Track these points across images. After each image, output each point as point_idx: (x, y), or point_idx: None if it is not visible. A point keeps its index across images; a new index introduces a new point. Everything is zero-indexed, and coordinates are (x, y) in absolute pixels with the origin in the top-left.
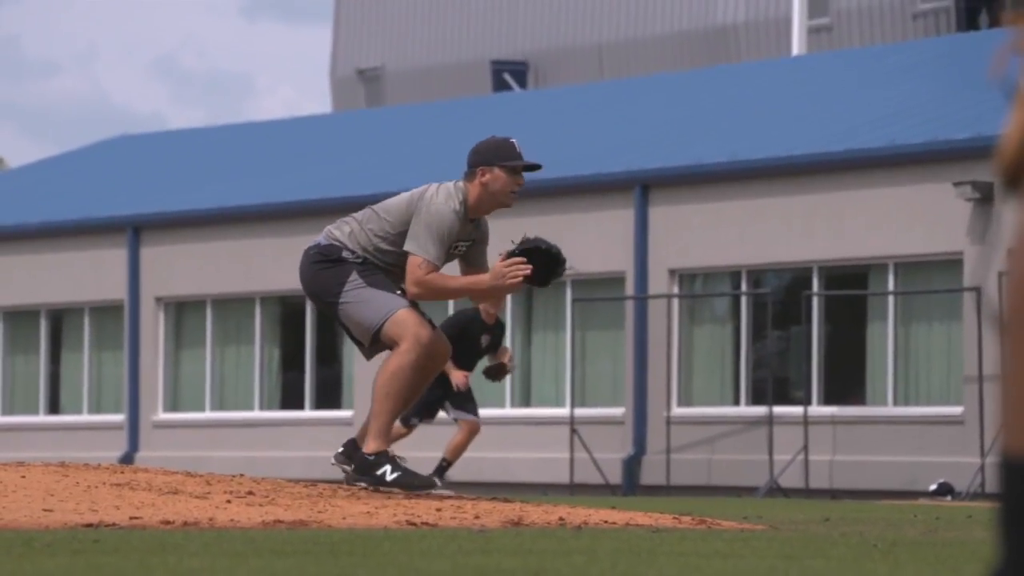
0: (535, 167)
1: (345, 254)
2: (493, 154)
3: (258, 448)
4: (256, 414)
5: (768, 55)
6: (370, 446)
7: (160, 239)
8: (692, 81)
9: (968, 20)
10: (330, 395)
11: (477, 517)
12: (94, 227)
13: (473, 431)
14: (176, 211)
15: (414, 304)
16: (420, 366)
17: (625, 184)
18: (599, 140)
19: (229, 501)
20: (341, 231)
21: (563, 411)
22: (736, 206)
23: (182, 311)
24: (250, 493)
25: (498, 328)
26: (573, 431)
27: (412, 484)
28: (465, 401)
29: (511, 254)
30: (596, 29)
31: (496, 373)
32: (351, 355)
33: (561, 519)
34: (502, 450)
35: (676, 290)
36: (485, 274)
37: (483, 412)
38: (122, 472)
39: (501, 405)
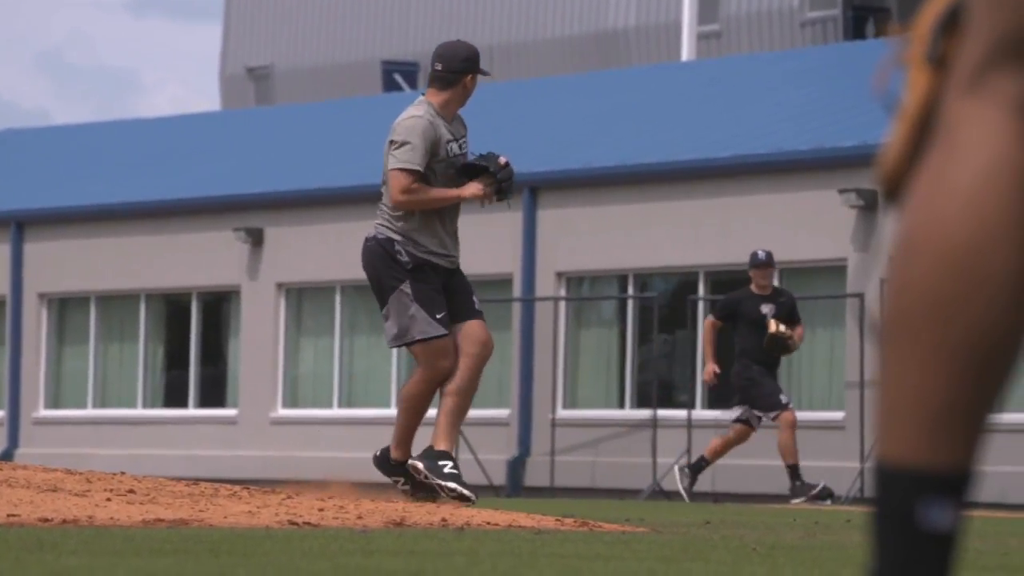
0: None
1: (400, 256)
2: (475, 62)
3: (141, 446)
4: (139, 412)
5: (657, 60)
6: (394, 453)
7: (44, 235)
8: (582, 84)
9: (855, 29)
10: (214, 393)
11: (360, 518)
12: None
13: (742, 436)
14: (60, 207)
15: (447, 325)
16: (431, 392)
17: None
18: (488, 142)
19: (109, 499)
20: (381, 218)
21: None
22: (624, 210)
23: (65, 307)
24: (131, 491)
25: (781, 296)
26: (459, 432)
27: (427, 494)
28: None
29: (470, 166)
30: (487, 31)
31: (773, 346)
32: (236, 353)
33: (444, 520)
34: None
35: (563, 293)
36: (457, 189)
37: (373, 412)
38: (0, 469)
39: (387, 406)
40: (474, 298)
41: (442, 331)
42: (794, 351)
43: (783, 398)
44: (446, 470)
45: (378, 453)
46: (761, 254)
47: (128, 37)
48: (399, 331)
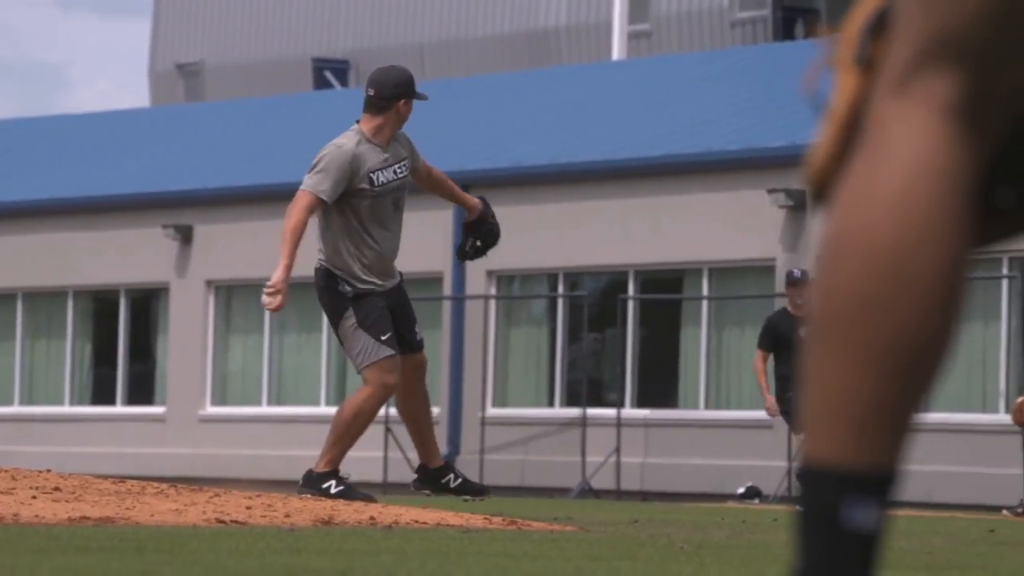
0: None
1: (342, 287)
2: (409, 88)
3: (67, 443)
4: (66, 409)
5: (589, 59)
6: (320, 467)
7: None
8: (513, 83)
9: (785, 30)
10: (142, 391)
11: (287, 516)
12: None
13: None
14: None
15: (389, 342)
16: (378, 410)
17: None
18: (419, 140)
19: (35, 497)
20: (319, 251)
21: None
22: (554, 209)
23: None
24: (56, 489)
25: None
26: (387, 430)
27: (354, 498)
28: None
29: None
30: (418, 29)
31: None
32: (164, 351)
33: (372, 518)
34: (318, 448)
35: (493, 291)
36: (281, 270)
37: (298, 411)
38: None
39: (316, 403)
40: (416, 328)
41: (389, 352)
42: None
43: None
44: (452, 485)
45: (302, 481)
46: (796, 272)
47: (56, 32)
48: (357, 358)
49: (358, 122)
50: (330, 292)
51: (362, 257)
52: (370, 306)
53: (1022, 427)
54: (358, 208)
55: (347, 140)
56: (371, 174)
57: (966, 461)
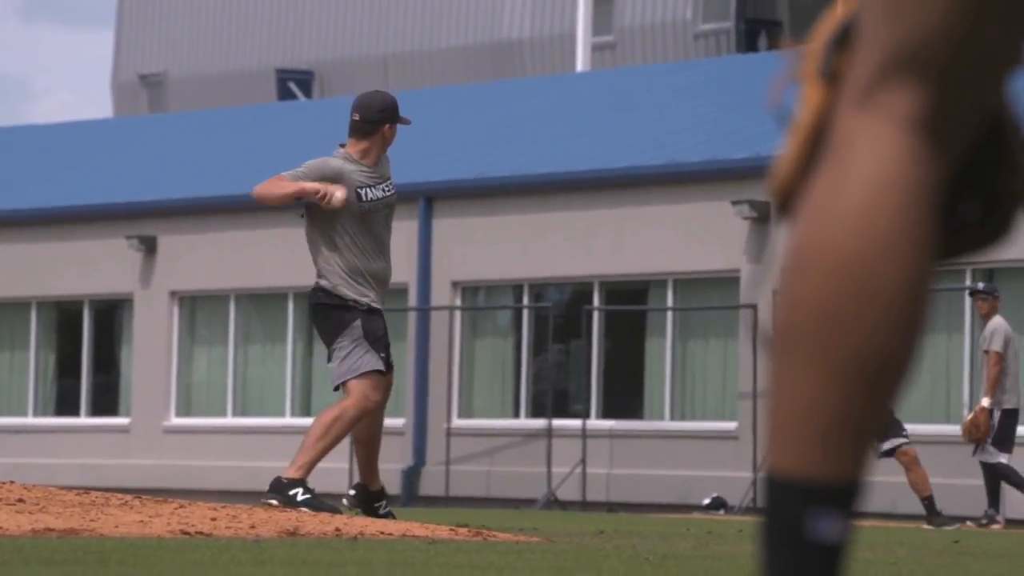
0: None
1: (352, 301)
2: (393, 113)
3: (31, 455)
4: (29, 420)
5: (553, 71)
6: (290, 473)
7: None
8: (477, 94)
9: (748, 42)
10: (106, 402)
11: (253, 527)
12: None
13: (914, 456)
14: None
15: (384, 361)
16: (357, 422)
17: (409, 196)
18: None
19: None
20: (324, 271)
21: None
22: (519, 220)
23: None
24: (20, 500)
25: None
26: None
27: (319, 508)
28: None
29: None
30: (382, 40)
31: None
32: (128, 362)
33: (337, 530)
34: (283, 459)
35: (459, 302)
36: (306, 182)
37: (263, 422)
38: None
39: (281, 415)
40: (390, 352)
41: (381, 367)
42: None
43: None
44: (380, 512)
45: (269, 487)
46: None
47: (18, 42)
48: (346, 368)
49: (342, 146)
50: (337, 307)
51: (363, 273)
52: (377, 323)
53: (976, 443)
54: (350, 225)
55: (333, 158)
56: (359, 190)
57: (930, 472)
